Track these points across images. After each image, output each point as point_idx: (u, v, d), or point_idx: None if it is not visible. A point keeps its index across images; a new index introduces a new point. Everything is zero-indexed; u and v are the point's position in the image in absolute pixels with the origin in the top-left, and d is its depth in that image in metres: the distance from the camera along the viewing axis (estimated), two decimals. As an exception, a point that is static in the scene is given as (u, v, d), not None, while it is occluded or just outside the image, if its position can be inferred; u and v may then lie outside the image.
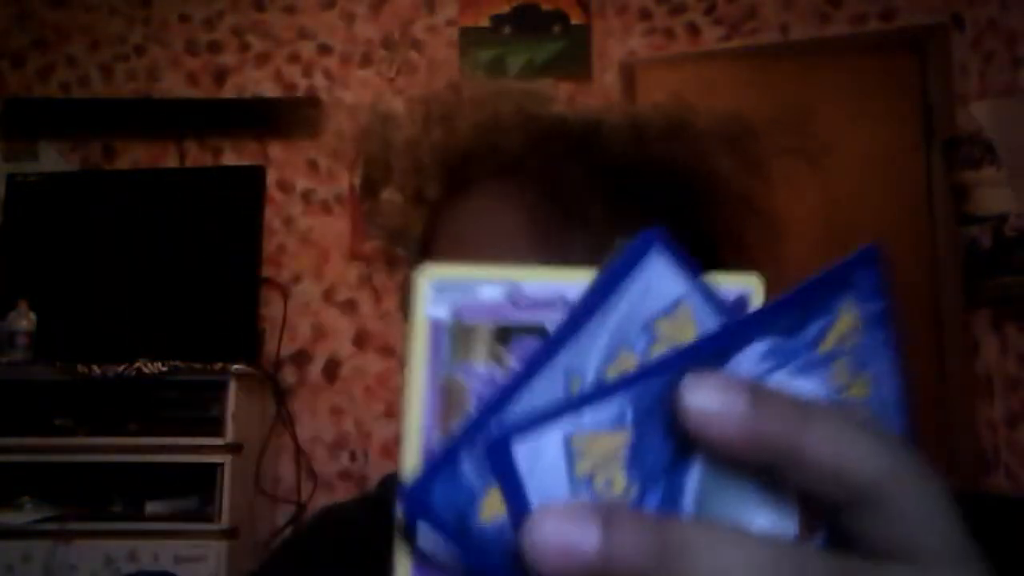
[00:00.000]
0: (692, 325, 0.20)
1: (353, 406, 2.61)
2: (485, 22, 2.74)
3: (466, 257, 0.47)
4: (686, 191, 0.45)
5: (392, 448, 2.58)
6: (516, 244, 0.46)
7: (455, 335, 0.20)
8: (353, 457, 2.58)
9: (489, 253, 0.47)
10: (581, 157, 0.43)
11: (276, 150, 2.75)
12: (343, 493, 2.55)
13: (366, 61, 2.79)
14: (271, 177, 2.66)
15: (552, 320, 0.20)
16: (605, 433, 0.19)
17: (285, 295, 2.64)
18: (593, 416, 0.19)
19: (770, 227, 0.47)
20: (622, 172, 0.43)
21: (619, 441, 0.19)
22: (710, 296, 0.21)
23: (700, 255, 0.49)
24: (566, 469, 0.18)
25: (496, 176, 0.47)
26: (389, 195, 0.54)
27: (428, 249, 0.51)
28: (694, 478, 0.20)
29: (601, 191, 0.43)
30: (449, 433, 0.20)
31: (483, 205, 0.48)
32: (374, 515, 0.53)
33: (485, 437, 0.18)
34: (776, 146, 0.46)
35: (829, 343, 0.21)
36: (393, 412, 2.60)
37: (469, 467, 0.18)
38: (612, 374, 0.19)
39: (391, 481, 0.57)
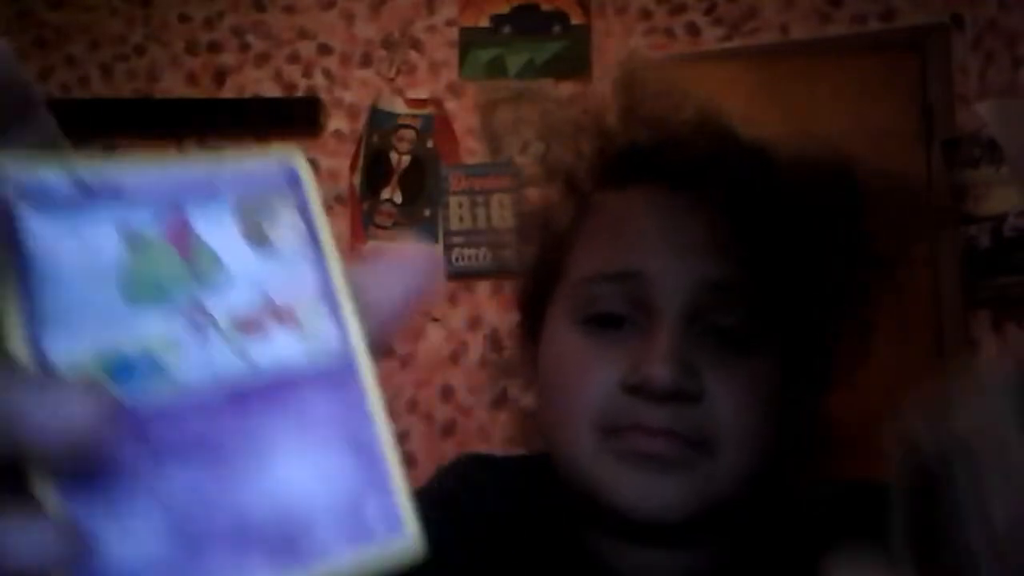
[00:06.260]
0: None
1: (353, 406, 2.60)
2: (485, 22, 2.74)
3: (622, 246, 0.48)
4: (837, 238, 0.46)
5: (392, 448, 2.57)
6: (694, 243, 0.46)
7: None
8: (353, 457, 2.58)
9: (658, 243, 0.47)
10: (758, 182, 0.44)
11: (276, 150, 2.75)
12: (343, 493, 2.55)
13: (366, 61, 2.79)
14: (271, 177, 2.65)
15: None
16: None
17: (285, 295, 2.63)
18: None
19: (897, 286, 0.48)
20: (790, 208, 0.44)
21: None
22: None
23: (832, 298, 0.49)
24: None
25: (669, 177, 0.47)
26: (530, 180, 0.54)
27: (574, 236, 0.51)
28: None
29: (774, 220, 0.44)
30: None
31: (654, 201, 0.48)
32: (435, 509, 0.52)
33: None
34: (928, 221, 0.48)
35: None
36: (393, 412, 2.59)
37: None
38: None
39: (446, 474, 0.57)
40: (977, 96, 2.35)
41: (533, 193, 0.55)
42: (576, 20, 2.70)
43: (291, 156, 0.24)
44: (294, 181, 0.24)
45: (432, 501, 0.54)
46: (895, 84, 2.50)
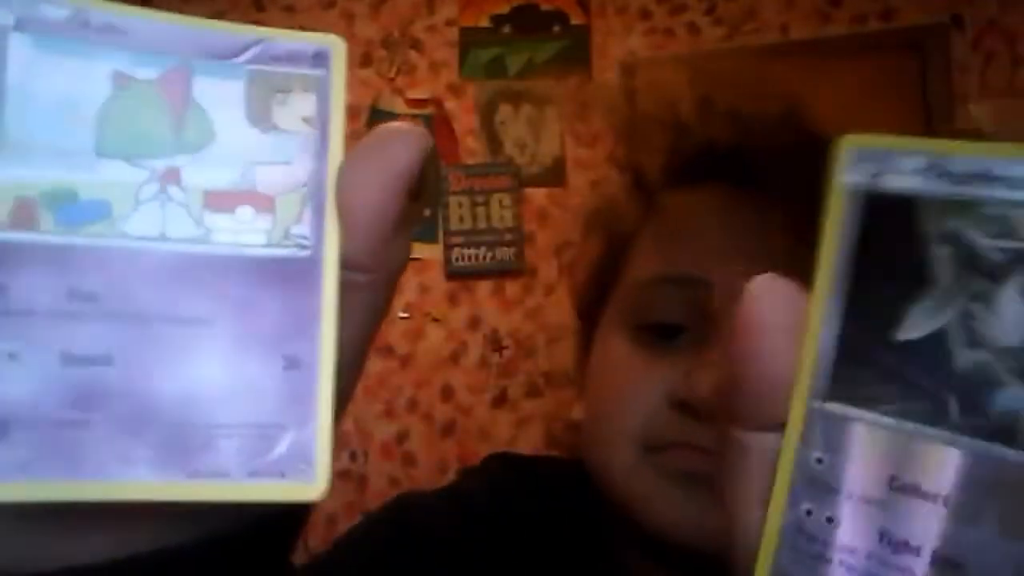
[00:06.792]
0: None
1: (353, 406, 2.59)
2: (485, 22, 2.74)
3: (686, 249, 0.45)
4: None
5: (392, 448, 2.58)
6: (764, 251, 0.42)
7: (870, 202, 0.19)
8: (353, 457, 2.58)
9: (725, 249, 0.44)
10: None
11: (276, 150, 2.75)
12: (343, 493, 2.55)
13: (366, 61, 2.79)
14: (271, 177, 2.65)
15: (978, 194, 0.18)
16: None
17: (285, 295, 2.63)
18: None
19: None
20: None
21: None
22: None
23: None
24: None
25: (745, 177, 0.44)
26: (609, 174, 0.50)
27: (636, 236, 0.48)
28: None
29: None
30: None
31: (726, 202, 0.45)
32: (457, 509, 0.51)
33: None
34: None
35: None
36: (393, 412, 2.60)
37: None
38: None
39: (473, 473, 0.55)
40: (977, 96, 2.35)
41: (597, 190, 0.52)
42: (576, 20, 2.70)
43: (329, 41, 0.22)
44: (322, 67, 0.22)
45: (456, 500, 0.52)
46: (895, 84, 2.49)
